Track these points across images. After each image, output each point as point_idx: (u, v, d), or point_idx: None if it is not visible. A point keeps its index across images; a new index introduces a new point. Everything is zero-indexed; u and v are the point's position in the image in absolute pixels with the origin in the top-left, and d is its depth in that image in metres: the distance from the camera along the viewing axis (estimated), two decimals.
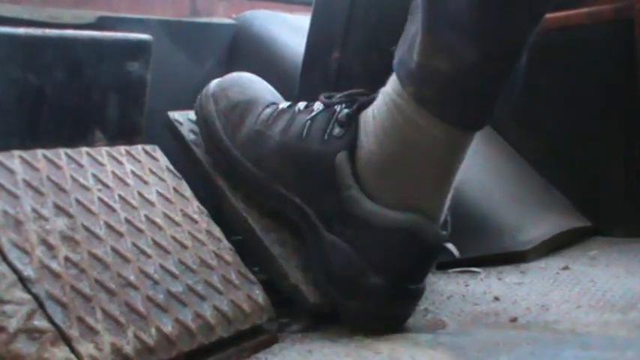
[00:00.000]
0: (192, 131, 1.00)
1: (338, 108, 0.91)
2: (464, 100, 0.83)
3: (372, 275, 0.86)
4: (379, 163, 0.86)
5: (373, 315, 0.88)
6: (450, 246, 0.87)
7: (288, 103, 0.97)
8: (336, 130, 0.89)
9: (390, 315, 0.88)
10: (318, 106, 0.94)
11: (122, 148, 0.92)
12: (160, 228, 0.85)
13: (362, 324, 0.89)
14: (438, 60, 0.81)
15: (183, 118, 1.01)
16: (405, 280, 0.87)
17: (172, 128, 1.00)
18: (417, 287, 0.89)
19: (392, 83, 0.86)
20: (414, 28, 0.83)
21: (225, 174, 0.96)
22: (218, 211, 0.94)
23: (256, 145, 0.95)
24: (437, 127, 0.83)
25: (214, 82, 1.02)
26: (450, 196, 0.88)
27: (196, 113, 1.00)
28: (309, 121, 0.92)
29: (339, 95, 0.93)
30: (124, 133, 1.00)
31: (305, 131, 0.92)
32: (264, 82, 1.05)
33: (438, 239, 0.86)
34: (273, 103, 0.98)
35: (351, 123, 0.89)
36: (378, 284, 0.86)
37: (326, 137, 0.90)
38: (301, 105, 0.96)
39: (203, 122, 0.98)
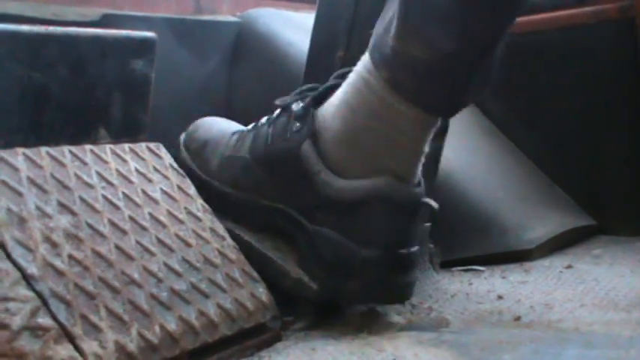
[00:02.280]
0: None
1: (294, 106, 0.93)
2: (437, 88, 0.83)
3: (362, 250, 0.87)
4: (344, 137, 0.88)
5: (375, 289, 0.88)
6: (428, 200, 0.88)
7: (252, 125, 1.00)
8: (296, 126, 0.91)
9: (391, 284, 0.89)
10: (276, 112, 0.96)
11: (126, 146, 0.92)
12: (164, 226, 0.85)
13: (367, 301, 0.90)
14: (414, 47, 0.81)
15: None
16: (394, 246, 0.88)
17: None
18: (409, 251, 0.88)
19: (364, 63, 0.87)
20: (390, 12, 0.84)
21: (213, 206, 0.96)
22: None
23: (230, 169, 0.98)
24: (408, 108, 0.84)
25: (183, 134, 1.07)
26: (421, 161, 0.88)
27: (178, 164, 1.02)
28: (270, 129, 0.95)
29: (291, 95, 0.96)
30: (128, 131, 1.00)
31: (269, 138, 0.94)
32: (228, 120, 1.08)
33: (412, 196, 0.87)
34: (239, 131, 1.01)
35: (308, 114, 0.91)
36: (369, 257, 0.87)
37: (288, 135, 0.92)
38: (263, 120, 0.98)
39: (183, 170, 1.01)
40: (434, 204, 0.88)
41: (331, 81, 0.92)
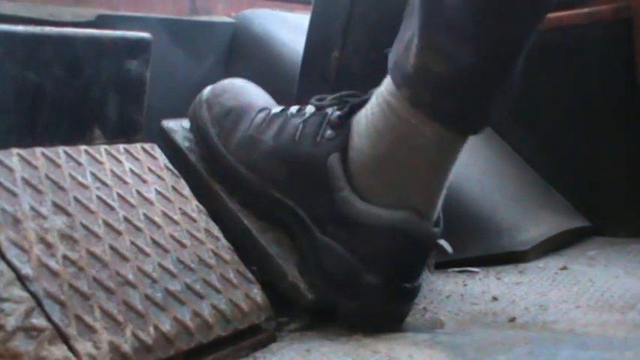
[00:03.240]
0: (186, 138, 1.01)
1: (330, 111, 0.92)
2: (460, 103, 0.82)
3: (367, 275, 0.86)
4: (371, 163, 0.86)
5: (370, 314, 0.88)
6: (443, 243, 0.87)
7: (281, 108, 0.98)
8: (328, 133, 0.90)
9: (387, 314, 0.89)
10: (309, 109, 0.94)
11: (121, 147, 0.92)
12: (159, 226, 0.85)
13: (360, 323, 0.89)
14: (434, 62, 0.81)
15: (177, 126, 1.02)
16: (399, 279, 0.88)
17: (166, 136, 1.01)
18: (412, 285, 0.89)
19: (386, 84, 0.86)
20: (409, 31, 0.83)
21: (220, 179, 0.96)
22: (214, 217, 0.94)
23: (250, 150, 0.96)
24: (431, 127, 0.83)
25: (207, 89, 1.02)
26: (443, 195, 0.88)
27: (190, 120, 1.00)
28: (301, 125, 0.93)
29: (330, 98, 0.94)
30: (123, 132, 1.00)
31: (298, 134, 0.92)
32: (257, 88, 1.05)
33: (431, 236, 0.86)
34: (266, 108, 0.99)
35: (343, 125, 0.89)
36: (373, 284, 0.86)
37: (318, 140, 0.90)
38: (293, 109, 0.96)
39: (197, 129, 0.99)
40: (449, 249, 0.87)
41: (370, 94, 0.90)
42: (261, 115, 0.98)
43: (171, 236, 0.85)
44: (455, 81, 0.81)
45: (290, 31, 1.39)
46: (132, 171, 0.90)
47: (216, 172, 0.96)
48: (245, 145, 0.96)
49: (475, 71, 0.80)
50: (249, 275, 0.88)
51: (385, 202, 0.86)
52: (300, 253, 0.93)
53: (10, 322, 0.65)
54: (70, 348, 0.67)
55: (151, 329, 0.74)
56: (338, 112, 0.91)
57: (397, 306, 0.89)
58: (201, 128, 0.99)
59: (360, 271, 0.87)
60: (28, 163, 0.80)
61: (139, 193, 0.87)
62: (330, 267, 0.89)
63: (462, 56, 0.79)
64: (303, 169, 0.91)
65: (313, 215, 0.91)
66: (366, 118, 0.88)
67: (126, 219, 0.83)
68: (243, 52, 1.40)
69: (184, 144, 1.00)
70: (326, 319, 0.91)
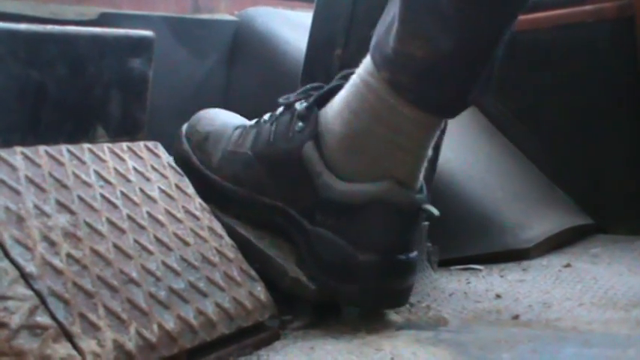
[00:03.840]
0: None
1: (297, 105, 0.93)
2: (439, 88, 0.83)
3: (361, 255, 0.86)
4: (347, 141, 0.87)
5: (371, 294, 0.88)
6: (429, 207, 0.87)
7: (255, 120, 1.00)
8: (299, 125, 0.91)
9: (388, 291, 0.89)
10: (279, 110, 0.96)
11: (124, 145, 0.92)
12: (162, 225, 0.85)
13: (363, 305, 0.90)
14: (415, 47, 0.81)
15: None
16: (393, 252, 0.88)
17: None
18: (407, 257, 0.88)
19: (365, 64, 0.87)
20: (392, 13, 0.84)
21: (211, 199, 0.96)
22: None
23: (232, 165, 0.98)
24: (408, 108, 0.84)
25: (185, 125, 1.06)
26: (423, 167, 0.88)
27: (174, 157, 1.02)
28: (273, 126, 0.94)
29: (296, 93, 0.96)
30: (126, 130, 0.99)
31: (271, 136, 0.94)
32: (230, 112, 1.08)
33: (413, 202, 0.86)
34: (242, 125, 1.01)
35: (311, 115, 0.90)
36: (368, 262, 0.87)
37: (290, 135, 0.92)
38: (266, 116, 0.98)
39: (181, 161, 1.01)
40: (435, 210, 0.87)
41: (335, 81, 0.92)
42: (238, 131, 1.00)
43: (175, 234, 0.85)
44: (434, 66, 0.82)
45: (293, 30, 1.39)
46: (135, 169, 0.90)
47: (205, 193, 0.97)
48: (227, 161, 0.99)
49: (455, 57, 0.81)
50: (253, 273, 0.88)
51: (365, 177, 0.86)
52: (298, 251, 0.93)
53: (15, 320, 0.65)
54: (74, 346, 0.67)
55: (155, 327, 0.74)
56: (305, 104, 0.92)
57: (396, 281, 0.89)
58: (184, 158, 1.01)
59: (353, 252, 0.87)
60: (32, 161, 0.80)
61: (142, 191, 0.87)
62: (324, 255, 0.89)
63: (443, 42, 0.80)
64: (282, 167, 0.92)
65: (301, 209, 0.92)
66: (340, 99, 0.89)
67: (129, 217, 0.83)
68: (246, 51, 1.40)
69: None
70: (330, 317, 0.91)
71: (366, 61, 0.87)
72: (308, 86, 0.96)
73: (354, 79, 0.88)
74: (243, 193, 0.96)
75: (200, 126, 1.04)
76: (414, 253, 0.89)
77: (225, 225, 0.93)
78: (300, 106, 0.93)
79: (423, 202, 0.87)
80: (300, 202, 0.91)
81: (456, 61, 0.81)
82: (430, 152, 0.88)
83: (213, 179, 0.99)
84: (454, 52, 0.80)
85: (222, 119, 1.04)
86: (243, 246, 0.91)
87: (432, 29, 0.80)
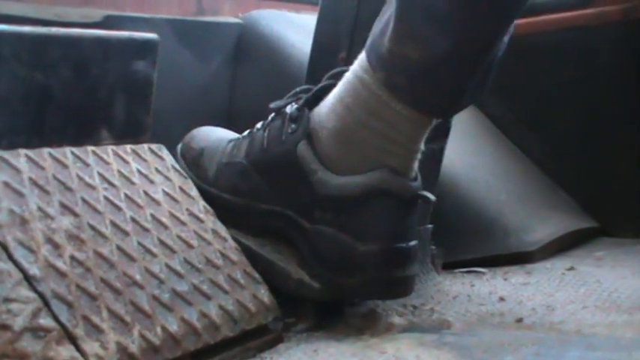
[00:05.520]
0: None
1: (288, 109, 0.94)
2: (433, 90, 0.84)
3: (361, 246, 0.87)
4: (340, 134, 0.88)
5: (374, 285, 0.88)
6: (425, 192, 0.88)
7: (248, 131, 1.00)
8: (291, 127, 0.92)
9: (390, 279, 0.88)
10: (270, 116, 0.97)
11: (128, 147, 0.92)
12: (166, 227, 0.85)
13: (368, 297, 0.91)
14: (410, 48, 0.82)
15: None
16: (392, 241, 0.88)
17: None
18: (407, 245, 0.88)
19: (360, 61, 0.87)
20: (388, 13, 0.84)
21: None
22: None
23: (227, 176, 0.99)
24: (402, 106, 0.84)
25: (180, 144, 1.07)
26: (417, 157, 0.89)
27: None
28: (266, 132, 0.95)
29: (286, 97, 0.96)
30: (130, 132, 1.00)
31: (265, 142, 0.94)
32: (224, 129, 1.09)
33: (409, 189, 0.87)
34: (235, 138, 1.02)
35: (302, 115, 0.91)
36: (369, 252, 0.87)
37: (283, 138, 0.92)
38: (258, 125, 0.98)
39: None
40: (431, 196, 0.88)
41: (325, 81, 0.92)
42: (231, 143, 1.01)
43: (179, 237, 0.85)
44: (430, 68, 0.82)
45: (297, 32, 1.39)
46: (139, 171, 0.90)
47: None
48: (222, 173, 0.99)
49: (450, 59, 0.81)
50: (257, 276, 0.88)
51: (359, 169, 0.87)
52: (300, 253, 0.93)
53: (18, 323, 0.65)
54: (78, 348, 0.67)
55: (159, 330, 0.74)
56: (295, 106, 0.93)
57: (398, 270, 0.88)
58: None
59: (353, 244, 0.87)
60: (36, 163, 0.80)
61: (146, 193, 0.88)
62: (325, 251, 0.89)
63: (438, 44, 0.80)
64: (278, 171, 0.93)
65: (299, 209, 0.92)
66: (333, 96, 0.89)
67: (133, 219, 0.83)
68: (250, 53, 1.40)
69: None
70: (333, 319, 0.91)
71: (361, 60, 0.87)
72: (297, 89, 0.96)
73: (347, 76, 0.88)
74: (241, 202, 0.97)
75: (194, 143, 1.05)
76: (414, 242, 0.89)
77: None
78: (290, 109, 0.93)
79: (418, 189, 0.88)
80: (298, 203, 0.92)
81: (451, 63, 0.82)
82: (423, 146, 0.88)
83: (211, 192, 0.99)
84: (449, 54, 0.80)
85: (216, 135, 1.06)
86: (246, 255, 0.91)
87: (427, 31, 0.80)
